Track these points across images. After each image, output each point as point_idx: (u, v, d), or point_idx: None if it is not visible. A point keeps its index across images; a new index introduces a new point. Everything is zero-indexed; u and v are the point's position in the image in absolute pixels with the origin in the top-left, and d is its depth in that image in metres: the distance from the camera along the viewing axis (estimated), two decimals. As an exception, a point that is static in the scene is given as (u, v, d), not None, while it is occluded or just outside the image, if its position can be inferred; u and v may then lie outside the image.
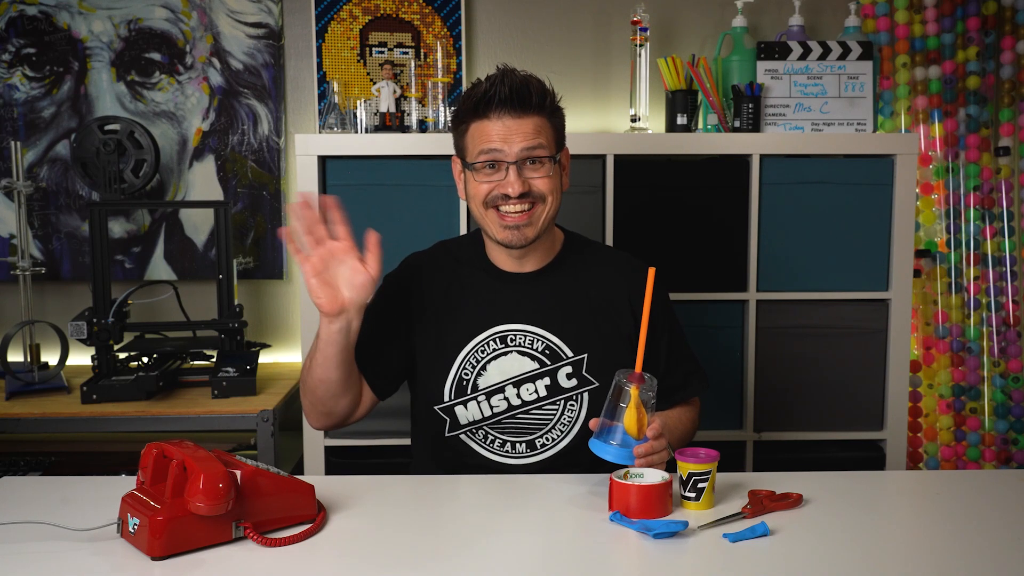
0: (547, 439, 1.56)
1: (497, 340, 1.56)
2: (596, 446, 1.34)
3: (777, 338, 2.29)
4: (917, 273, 2.62)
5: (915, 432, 2.68)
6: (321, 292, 1.41)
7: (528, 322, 1.56)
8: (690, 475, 1.30)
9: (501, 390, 1.55)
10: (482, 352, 1.56)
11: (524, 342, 1.56)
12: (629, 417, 1.33)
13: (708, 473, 1.29)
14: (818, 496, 1.35)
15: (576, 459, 1.55)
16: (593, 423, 1.36)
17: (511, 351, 1.56)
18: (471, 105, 1.50)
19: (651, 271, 1.38)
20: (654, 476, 1.30)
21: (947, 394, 2.67)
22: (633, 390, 1.33)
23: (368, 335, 1.55)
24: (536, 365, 1.55)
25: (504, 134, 1.49)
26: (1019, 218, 2.68)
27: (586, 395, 1.55)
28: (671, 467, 1.33)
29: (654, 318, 1.40)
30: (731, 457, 2.30)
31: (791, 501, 1.31)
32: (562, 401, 1.55)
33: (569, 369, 1.55)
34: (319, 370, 1.49)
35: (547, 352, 1.56)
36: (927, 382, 2.68)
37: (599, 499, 1.32)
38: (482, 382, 1.55)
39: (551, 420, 1.55)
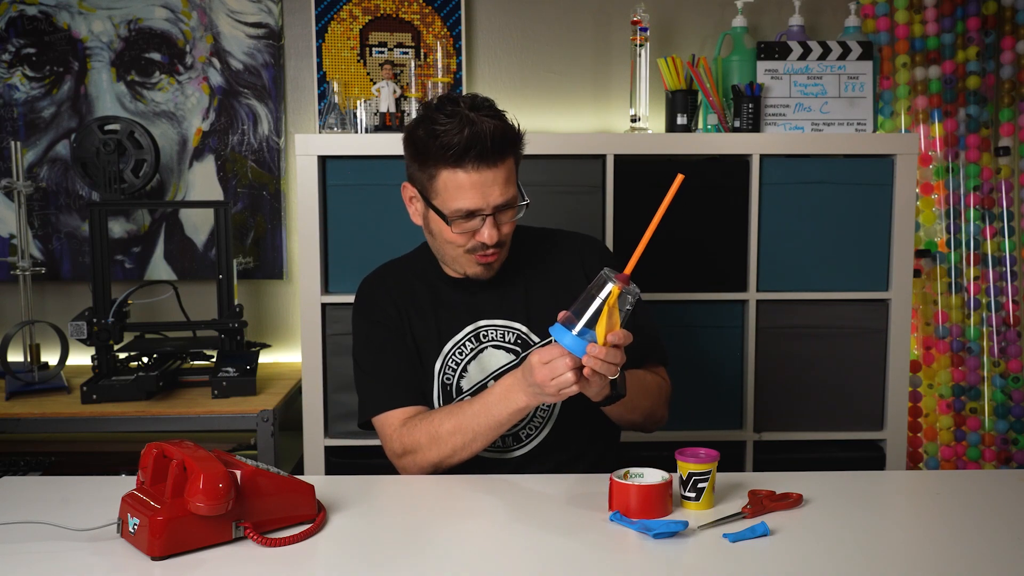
0: (531, 428, 1.57)
1: (472, 339, 1.59)
2: (556, 330, 1.30)
3: (777, 338, 2.29)
4: (917, 273, 2.62)
5: (915, 432, 2.67)
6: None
7: (496, 316, 1.59)
8: (690, 475, 1.30)
9: (484, 387, 1.56)
10: (460, 353, 1.58)
11: (496, 336, 1.58)
12: (600, 316, 1.27)
13: (708, 473, 1.29)
14: (818, 496, 1.35)
15: (559, 445, 1.57)
16: (562, 315, 1.31)
17: (486, 347, 1.58)
18: (445, 155, 1.43)
19: (679, 177, 1.33)
20: (654, 476, 1.30)
21: (947, 394, 2.67)
22: (615, 288, 1.27)
23: (409, 367, 1.57)
24: (512, 357, 1.57)
25: (481, 188, 1.45)
26: (1019, 218, 2.68)
27: None
28: (671, 467, 1.33)
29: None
30: (731, 457, 2.30)
31: (791, 501, 1.31)
32: None
33: None
34: (479, 443, 1.46)
35: (519, 342, 1.58)
36: (927, 382, 2.68)
37: (599, 499, 1.32)
38: (465, 384, 1.58)
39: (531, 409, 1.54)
